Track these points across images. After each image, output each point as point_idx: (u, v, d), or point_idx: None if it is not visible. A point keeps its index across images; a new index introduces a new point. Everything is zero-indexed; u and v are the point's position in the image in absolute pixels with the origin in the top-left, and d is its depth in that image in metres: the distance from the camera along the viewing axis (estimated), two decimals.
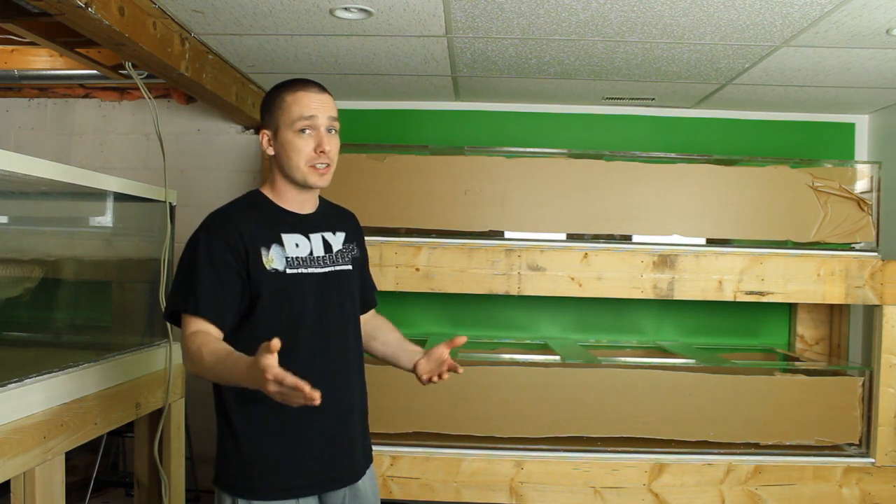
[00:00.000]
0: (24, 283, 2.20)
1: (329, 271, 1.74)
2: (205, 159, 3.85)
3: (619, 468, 2.91)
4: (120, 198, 2.41)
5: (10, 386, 1.78)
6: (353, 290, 1.81)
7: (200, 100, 3.38)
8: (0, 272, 2.06)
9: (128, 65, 2.55)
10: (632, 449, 2.96)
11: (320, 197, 1.84)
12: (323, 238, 1.76)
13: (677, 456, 2.94)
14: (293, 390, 1.33)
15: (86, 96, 3.87)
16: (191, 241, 1.68)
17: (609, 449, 2.96)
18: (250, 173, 3.82)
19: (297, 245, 1.71)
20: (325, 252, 1.75)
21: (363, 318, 1.91)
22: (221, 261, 1.63)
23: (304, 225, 1.75)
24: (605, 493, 2.90)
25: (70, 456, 2.02)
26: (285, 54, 2.90)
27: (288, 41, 2.74)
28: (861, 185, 3.12)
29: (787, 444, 2.99)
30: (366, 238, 1.94)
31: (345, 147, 3.06)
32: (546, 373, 3.00)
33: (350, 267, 1.80)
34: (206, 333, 1.59)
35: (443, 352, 1.78)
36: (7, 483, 1.79)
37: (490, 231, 3.06)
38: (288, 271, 1.67)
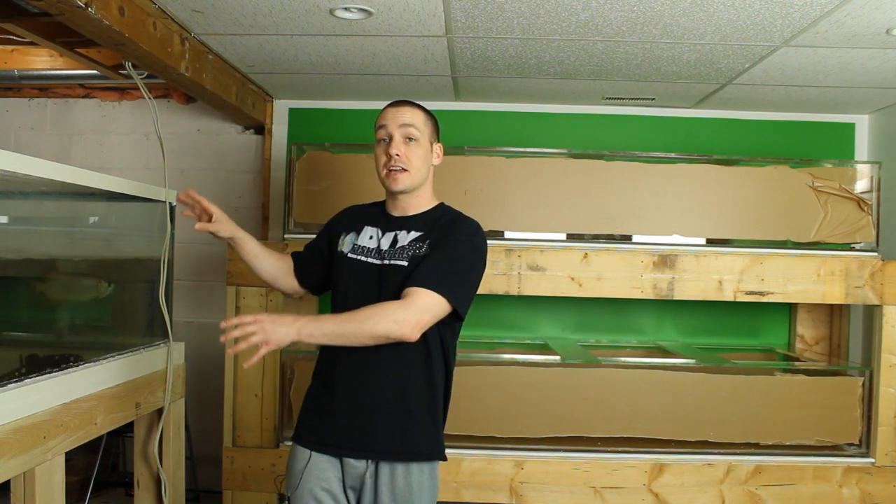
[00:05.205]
0: (25, 283, 2.20)
1: (385, 264, 1.85)
2: (205, 159, 3.84)
3: (619, 468, 2.91)
4: (120, 198, 2.40)
5: (9, 386, 1.78)
6: (402, 284, 1.80)
7: (200, 100, 3.38)
8: (0, 272, 2.06)
9: (128, 65, 2.55)
10: (632, 449, 2.96)
11: (443, 204, 1.96)
12: (395, 235, 1.87)
13: (677, 456, 2.94)
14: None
15: (86, 96, 3.86)
16: None
17: (609, 449, 2.96)
18: (250, 173, 3.82)
19: (370, 237, 1.89)
20: (390, 248, 1.87)
21: None
22: (319, 234, 2.06)
23: (387, 223, 1.92)
24: (605, 493, 2.90)
25: (70, 456, 2.02)
26: (285, 54, 2.90)
27: (288, 41, 2.74)
28: (861, 185, 3.12)
29: (787, 444, 2.99)
30: None
31: (344, 147, 3.10)
32: (546, 373, 3.00)
33: (405, 263, 1.83)
34: (286, 257, 2.09)
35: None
36: (7, 483, 1.79)
37: (490, 231, 3.05)
38: (349, 255, 1.87)
